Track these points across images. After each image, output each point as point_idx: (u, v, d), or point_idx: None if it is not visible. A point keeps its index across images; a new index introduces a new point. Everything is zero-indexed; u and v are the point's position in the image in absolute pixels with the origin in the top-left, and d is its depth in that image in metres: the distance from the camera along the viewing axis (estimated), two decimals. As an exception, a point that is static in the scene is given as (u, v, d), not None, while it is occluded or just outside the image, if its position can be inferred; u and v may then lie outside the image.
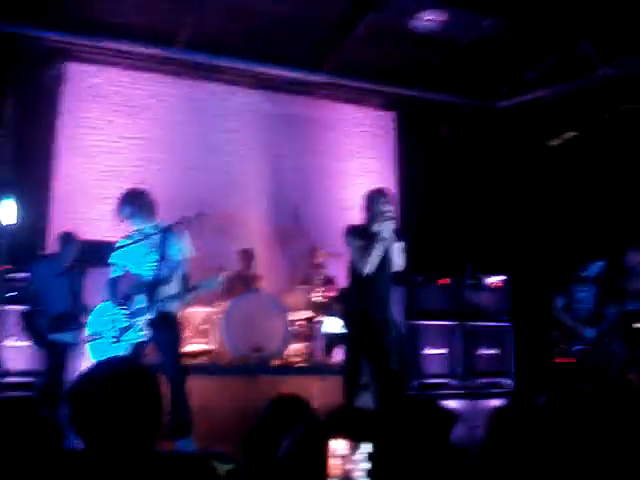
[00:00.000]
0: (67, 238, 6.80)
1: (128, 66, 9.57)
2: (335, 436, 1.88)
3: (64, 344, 6.46)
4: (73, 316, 6.46)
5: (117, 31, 8.86)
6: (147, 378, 2.05)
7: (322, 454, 1.74)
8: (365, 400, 5.17)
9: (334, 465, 2.37)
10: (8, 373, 6.93)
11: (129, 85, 9.65)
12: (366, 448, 2.12)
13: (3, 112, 8.18)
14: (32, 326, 6.52)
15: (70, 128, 9.23)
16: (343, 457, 2.47)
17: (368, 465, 2.18)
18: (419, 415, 2.65)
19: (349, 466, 2.38)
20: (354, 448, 2.21)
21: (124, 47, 9.15)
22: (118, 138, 9.45)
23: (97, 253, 5.71)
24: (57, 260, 6.71)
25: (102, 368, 2.12)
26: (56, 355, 6.44)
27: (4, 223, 7.49)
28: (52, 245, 7.79)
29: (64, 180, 9.06)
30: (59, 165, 9.08)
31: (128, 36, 8.93)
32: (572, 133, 9.79)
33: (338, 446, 2.40)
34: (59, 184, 9.02)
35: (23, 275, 7.03)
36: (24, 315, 6.59)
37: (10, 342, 7.09)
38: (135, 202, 5.25)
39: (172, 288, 5.19)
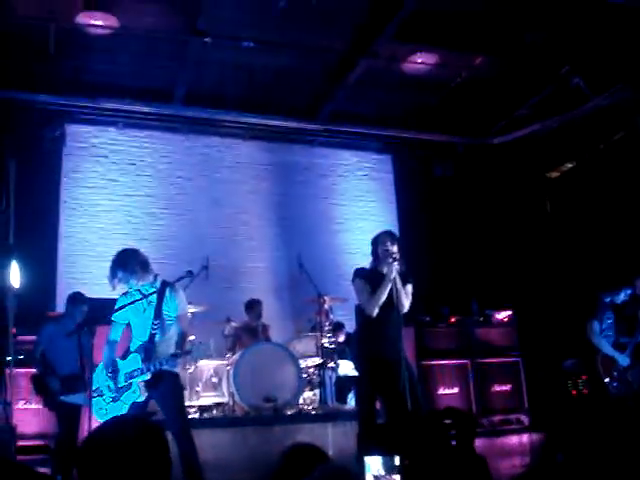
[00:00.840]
0: (75, 298, 6.82)
1: (127, 125, 9.72)
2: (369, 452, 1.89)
3: (75, 406, 6.43)
4: (83, 377, 6.44)
5: (114, 91, 9.03)
6: (153, 434, 2.05)
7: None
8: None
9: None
10: (22, 436, 6.89)
11: (128, 143, 9.79)
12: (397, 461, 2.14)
13: (5, 176, 8.26)
14: (43, 388, 6.49)
15: (72, 188, 9.34)
16: (376, 477, 2.48)
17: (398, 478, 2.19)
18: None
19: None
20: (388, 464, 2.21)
21: (122, 107, 9.31)
22: (119, 196, 9.56)
23: (104, 311, 5.70)
24: (66, 321, 6.71)
25: (109, 426, 2.13)
26: (68, 417, 6.40)
27: (10, 287, 7.51)
28: (60, 306, 7.83)
29: (68, 240, 9.13)
30: (63, 226, 9.16)
31: (125, 96, 9.09)
32: (569, 164, 9.87)
33: (373, 464, 2.41)
34: (64, 245, 9.09)
35: (31, 337, 7.04)
36: (34, 378, 6.57)
37: (21, 405, 7.08)
38: (125, 264, 5.14)
39: (168, 348, 5.13)
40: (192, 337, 6.47)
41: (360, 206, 10.83)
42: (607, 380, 6.79)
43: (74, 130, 9.51)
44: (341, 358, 8.14)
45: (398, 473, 2.48)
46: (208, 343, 5.73)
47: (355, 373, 6.41)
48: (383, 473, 2.50)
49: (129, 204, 9.57)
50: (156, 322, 5.11)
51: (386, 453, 2.49)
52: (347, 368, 7.98)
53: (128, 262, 5.14)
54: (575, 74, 8.63)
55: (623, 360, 6.64)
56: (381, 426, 4.93)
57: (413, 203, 10.72)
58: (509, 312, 9.23)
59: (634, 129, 8.79)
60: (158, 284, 5.21)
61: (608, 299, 6.87)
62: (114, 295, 5.30)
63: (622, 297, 6.86)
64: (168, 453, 2.04)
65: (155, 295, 5.16)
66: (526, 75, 8.90)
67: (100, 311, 6.04)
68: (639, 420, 2.13)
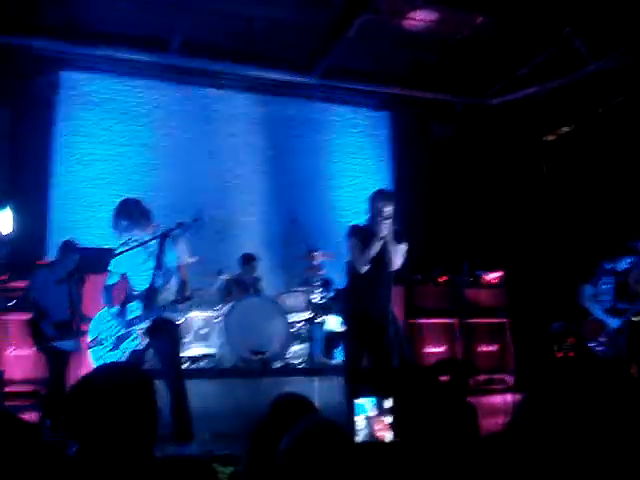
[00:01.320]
0: (67, 246, 6.83)
1: (121, 73, 9.60)
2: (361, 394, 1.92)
3: (66, 352, 6.48)
4: (73, 324, 6.48)
5: (109, 39, 8.89)
6: (142, 382, 2.06)
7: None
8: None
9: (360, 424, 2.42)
10: (11, 382, 6.95)
11: (123, 92, 9.68)
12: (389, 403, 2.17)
13: (-1, 121, 8.20)
14: (37, 333, 6.53)
15: (65, 136, 9.26)
16: (368, 417, 2.52)
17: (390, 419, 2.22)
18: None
19: (376, 426, 2.43)
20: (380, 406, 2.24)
21: (117, 55, 9.19)
22: (113, 145, 9.48)
23: (95, 260, 5.70)
24: (57, 268, 6.72)
25: (98, 374, 2.14)
26: (59, 362, 6.46)
27: (1, 233, 7.50)
28: (51, 253, 7.83)
29: (61, 188, 9.09)
30: (55, 174, 9.10)
31: (121, 43, 8.96)
32: (566, 128, 9.83)
33: (365, 405, 2.44)
34: (56, 192, 9.05)
35: (22, 284, 7.05)
36: (30, 322, 6.60)
37: (10, 352, 7.12)
38: (130, 213, 5.13)
39: (169, 295, 5.16)
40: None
41: (355, 163, 10.79)
42: (593, 344, 6.84)
43: (68, 77, 9.38)
44: (328, 313, 8.17)
45: (390, 414, 2.52)
46: (207, 289, 5.75)
47: (342, 329, 6.47)
48: (375, 414, 2.55)
49: (122, 153, 9.49)
50: (157, 271, 5.13)
51: (378, 395, 2.54)
52: (334, 323, 8.03)
53: (132, 212, 5.15)
54: (577, 36, 8.55)
55: (614, 323, 6.67)
56: (371, 370, 4.99)
57: (408, 162, 10.68)
58: (499, 273, 9.28)
59: (634, 94, 8.74)
60: (158, 233, 5.23)
61: (609, 266, 6.89)
62: (105, 245, 5.30)
63: (624, 264, 6.88)
64: (155, 402, 2.06)
65: (155, 245, 5.17)
66: (527, 36, 8.80)
67: (90, 260, 6.06)
68: (623, 382, 2.15)
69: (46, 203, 8.95)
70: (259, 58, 9.49)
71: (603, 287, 6.91)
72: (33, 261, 7.67)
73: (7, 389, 6.90)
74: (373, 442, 2.53)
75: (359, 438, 2.54)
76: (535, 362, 8.33)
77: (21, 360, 7.15)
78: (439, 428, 2.32)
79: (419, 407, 2.35)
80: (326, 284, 8.44)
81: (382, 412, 2.54)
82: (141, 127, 9.69)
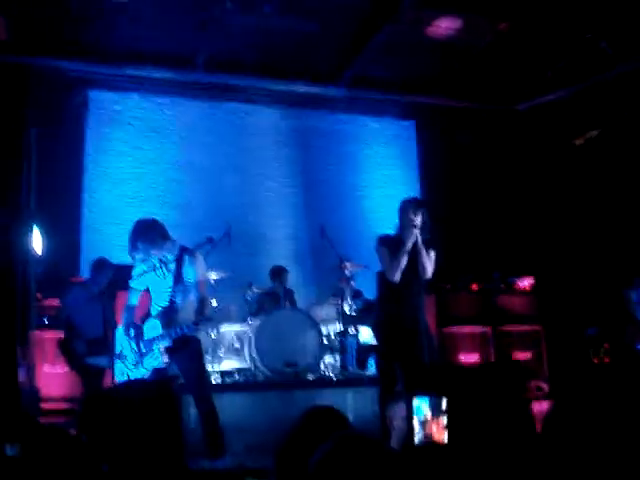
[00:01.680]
0: (100, 264, 6.92)
1: (149, 91, 9.70)
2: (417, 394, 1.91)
3: (100, 368, 6.54)
4: (107, 340, 6.54)
5: (137, 57, 8.99)
6: (164, 398, 2.07)
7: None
8: (401, 408, 5.15)
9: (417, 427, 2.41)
10: (47, 399, 7.02)
11: (151, 110, 9.79)
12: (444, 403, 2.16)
13: (26, 145, 8.31)
14: (69, 352, 6.61)
15: (95, 155, 9.37)
16: (424, 421, 2.52)
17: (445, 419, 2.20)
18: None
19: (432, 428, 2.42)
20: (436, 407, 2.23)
21: (144, 73, 9.28)
22: (143, 163, 9.57)
23: (126, 277, 5.75)
24: (90, 286, 6.80)
25: (119, 389, 2.15)
26: (92, 380, 6.52)
27: (34, 252, 7.60)
28: (83, 271, 7.92)
29: (92, 207, 9.19)
30: (86, 192, 9.21)
31: (147, 62, 9.06)
32: (595, 132, 9.74)
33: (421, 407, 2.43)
34: (87, 211, 9.15)
35: (55, 302, 7.14)
36: (61, 341, 6.68)
37: (47, 368, 7.21)
38: (147, 234, 5.16)
39: (189, 313, 5.17)
40: (214, 302, 6.53)
41: (383, 173, 10.77)
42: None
43: (96, 97, 9.50)
44: (361, 324, 8.16)
45: (445, 414, 2.51)
46: (228, 306, 5.77)
47: (373, 341, 6.45)
48: (430, 416, 2.54)
49: (152, 171, 9.58)
50: (176, 288, 5.15)
51: (434, 394, 2.53)
52: (367, 335, 8.01)
53: (148, 232, 5.17)
54: (601, 38, 8.48)
55: None
56: (427, 369, 4.96)
57: (436, 170, 10.63)
58: (531, 280, 9.21)
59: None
60: (177, 250, 5.25)
61: None
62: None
63: None
64: (178, 416, 2.06)
65: (174, 261, 5.20)
66: (551, 41, 8.75)
67: (122, 276, 6.12)
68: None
69: (78, 222, 9.06)
70: (285, 71, 9.54)
71: None
72: (66, 279, 7.77)
73: (43, 405, 6.98)
74: (429, 445, 2.51)
75: (416, 441, 2.53)
76: (570, 368, 8.24)
77: (56, 377, 7.23)
78: (499, 432, 2.30)
79: (475, 409, 2.34)
80: (357, 295, 8.44)
81: (438, 413, 2.53)
82: (170, 144, 9.77)
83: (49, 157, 8.65)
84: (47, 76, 8.76)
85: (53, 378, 7.24)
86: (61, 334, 6.75)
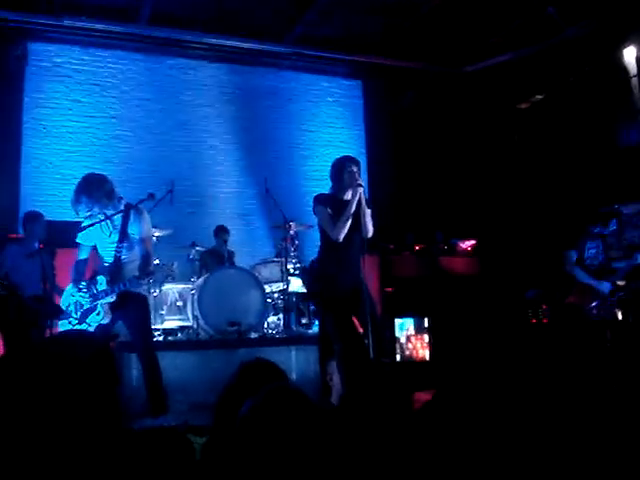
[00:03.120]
0: (33, 216, 6.75)
1: (90, 44, 9.45)
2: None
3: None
4: (47, 298, 6.43)
5: (78, 9, 8.74)
6: (100, 352, 2.02)
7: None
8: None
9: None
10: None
11: (92, 63, 9.53)
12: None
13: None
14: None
15: (35, 109, 9.13)
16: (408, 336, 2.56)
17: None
18: None
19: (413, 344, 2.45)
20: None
21: (85, 25, 9.04)
22: (84, 117, 9.36)
23: (66, 234, 5.64)
24: (27, 241, 6.65)
25: (52, 342, 2.11)
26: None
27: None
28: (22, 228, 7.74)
29: (31, 162, 8.98)
30: (25, 147, 8.98)
31: (89, 13, 8.81)
32: (539, 96, 9.85)
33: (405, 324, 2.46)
34: (27, 166, 8.94)
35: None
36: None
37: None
38: (92, 191, 5.03)
39: (133, 269, 5.12)
40: (157, 261, 6.46)
41: (328, 132, 10.73)
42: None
43: (37, 49, 9.22)
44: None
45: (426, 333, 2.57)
46: (171, 264, 5.71)
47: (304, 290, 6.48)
48: (413, 333, 2.61)
49: (93, 125, 9.38)
50: (120, 244, 5.10)
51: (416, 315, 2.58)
52: (296, 285, 8.03)
53: (93, 190, 5.07)
54: (549, 3, 8.54)
55: (605, 287, 6.68)
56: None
57: (382, 130, 10.64)
58: (473, 242, 9.32)
59: (604, 62, 8.77)
60: (122, 207, 5.17)
61: (597, 229, 6.90)
62: (78, 218, 5.23)
63: (611, 227, 6.91)
64: (115, 373, 2.02)
65: (119, 218, 5.13)
66: (500, 4, 8.78)
67: (62, 233, 6.00)
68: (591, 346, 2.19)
69: (17, 177, 8.84)
70: (230, 27, 9.39)
71: (591, 251, 6.94)
72: (4, 236, 7.59)
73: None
74: (410, 361, 2.55)
75: (398, 357, 2.57)
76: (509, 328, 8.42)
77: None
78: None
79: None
80: (299, 254, 8.43)
81: (421, 330, 2.58)
82: (112, 99, 9.56)
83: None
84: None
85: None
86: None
